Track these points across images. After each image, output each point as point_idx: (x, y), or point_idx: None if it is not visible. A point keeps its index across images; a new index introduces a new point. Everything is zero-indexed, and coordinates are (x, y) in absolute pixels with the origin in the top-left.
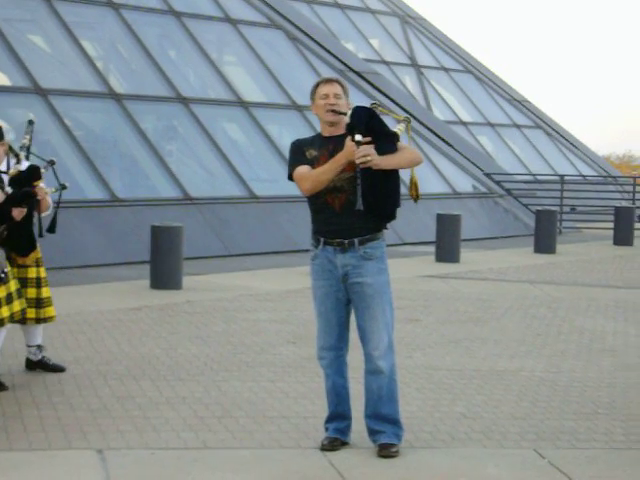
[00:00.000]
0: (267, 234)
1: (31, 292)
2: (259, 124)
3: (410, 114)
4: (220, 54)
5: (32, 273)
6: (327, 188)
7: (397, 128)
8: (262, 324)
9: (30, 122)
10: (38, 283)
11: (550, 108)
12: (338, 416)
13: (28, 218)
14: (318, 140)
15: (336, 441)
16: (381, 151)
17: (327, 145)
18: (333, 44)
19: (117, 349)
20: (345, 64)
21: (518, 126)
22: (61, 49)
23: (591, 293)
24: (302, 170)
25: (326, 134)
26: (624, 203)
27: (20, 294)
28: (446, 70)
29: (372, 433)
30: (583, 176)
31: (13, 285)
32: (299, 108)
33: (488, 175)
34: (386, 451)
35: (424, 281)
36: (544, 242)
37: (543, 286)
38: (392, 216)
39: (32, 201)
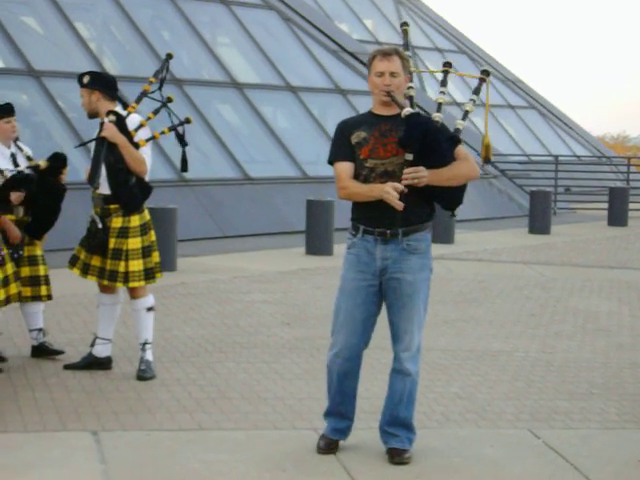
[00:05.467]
0: (261, 215)
1: (44, 269)
2: (253, 105)
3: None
4: (213, 35)
5: (40, 250)
6: (377, 172)
7: (459, 122)
8: (256, 305)
9: None
10: (44, 260)
11: (544, 88)
12: (339, 414)
13: (56, 208)
14: (369, 118)
15: (333, 444)
16: (434, 164)
17: (378, 125)
18: (327, 25)
19: None
20: (339, 45)
21: (512, 107)
22: (54, 31)
23: (585, 274)
24: (342, 173)
25: (378, 112)
26: (618, 184)
27: (17, 277)
28: (440, 51)
29: (384, 433)
30: (577, 157)
31: (10, 268)
32: (293, 89)
33: None
34: (399, 458)
35: None
36: (538, 223)
37: (537, 267)
38: (459, 202)
39: (57, 191)
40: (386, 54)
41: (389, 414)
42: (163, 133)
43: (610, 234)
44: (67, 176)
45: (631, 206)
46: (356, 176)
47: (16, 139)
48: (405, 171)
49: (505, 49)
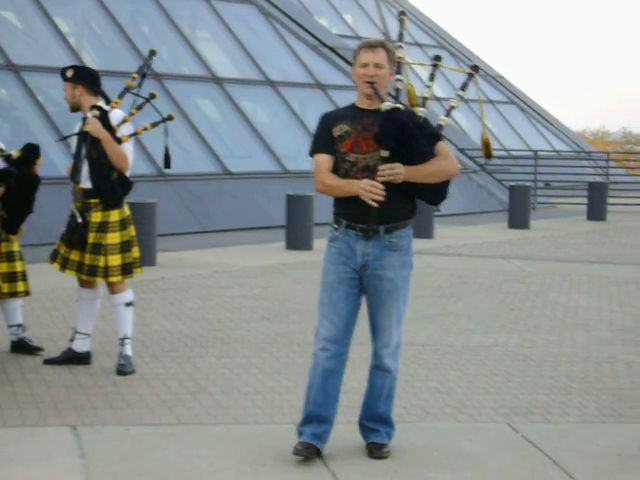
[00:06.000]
0: (241, 210)
1: (21, 265)
2: (233, 100)
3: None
4: (193, 30)
5: (18, 246)
6: (358, 166)
7: (441, 118)
8: (236, 300)
9: None
10: (21, 256)
11: (524, 84)
12: (317, 418)
13: (30, 199)
14: (352, 111)
15: (310, 447)
16: (412, 161)
17: (361, 118)
18: (307, 20)
19: None
20: (319, 40)
21: (492, 102)
22: (34, 25)
23: (565, 268)
24: (321, 165)
25: (362, 106)
26: (598, 178)
27: None
28: (420, 46)
29: (364, 428)
30: (557, 151)
31: None
32: (273, 84)
33: (462, 151)
34: (378, 452)
35: None
36: (518, 217)
37: (517, 261)
38: (443, 197)
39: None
40: (372, 46)
41: (368, 409)
42: (145, 129)
43: (589, 229)
44: (40, 167)
45: (610, 201)
46: (337, 169)
47: None
48: (380, 168)
49: (485, 45)
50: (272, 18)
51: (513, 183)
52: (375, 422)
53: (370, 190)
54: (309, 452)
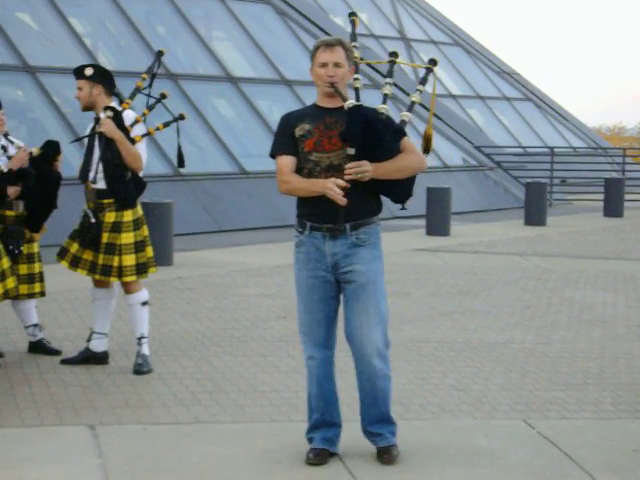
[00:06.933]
0: (257, 209)
1: (39, 266)
2: (248, 99)
3: (399, 87)
4: (208, 30)
5: (37, 247)
6: (322, 166)
7: (404, 114)
8: (253, 299)
9: None
10: (39, 257)
11: (540, 80)
12: (325, 424)
13: (53, 196)
14: (313, 111)
15: (324, 452)
16: (379, 158)
17: (323, 117)
18: (322, 18)
19: None
20: None
21: (508, 99)
22: (49, 26)
23: (581, 265)
24: (284, 167)
25: (322, 105)
26: (614, 174)
27: (13, 271)
28: (435, 43)
29: (368, 434)
30: (573, 148)
31: (5, 262)
32: (288, 83)
33: (478, 148)
34: (388, 456)
35: (414, 254)
36: (534, 214)
37: (533, 258)
38: (409, 194)
39: (31, 179)
40: (329, 45)
41: (365, 414)
42: (158, 129)
43: (606, 225)
44: (61, 163)
45: (627, 197)
46: (300, 170)
47: (6, 134)
48: (347, 166)
49: (501, 41)
50: (287, 17)
51: (529, 180)
52: (376, 425)
53: (335, 190)
54: (322, 459)
